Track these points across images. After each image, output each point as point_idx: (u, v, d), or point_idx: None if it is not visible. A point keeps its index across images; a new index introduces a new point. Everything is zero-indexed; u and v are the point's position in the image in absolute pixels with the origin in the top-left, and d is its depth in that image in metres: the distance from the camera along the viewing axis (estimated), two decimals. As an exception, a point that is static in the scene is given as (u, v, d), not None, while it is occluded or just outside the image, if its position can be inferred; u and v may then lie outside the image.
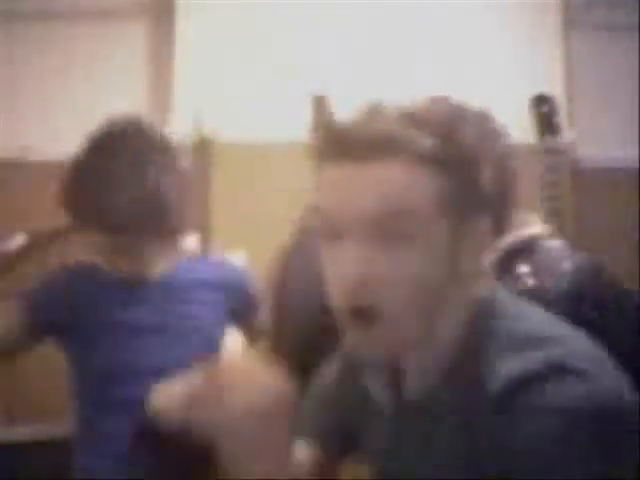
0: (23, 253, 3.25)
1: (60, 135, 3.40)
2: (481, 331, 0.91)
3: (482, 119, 0.96)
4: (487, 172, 0.90)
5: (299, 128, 3.09)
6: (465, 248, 0.90)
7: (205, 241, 3.05)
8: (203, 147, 3.13)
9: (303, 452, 1.11)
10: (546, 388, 0.80)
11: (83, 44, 3.42)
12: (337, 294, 0.89)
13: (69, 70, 3.42)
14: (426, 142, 0.89)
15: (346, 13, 3.23)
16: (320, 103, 3.10)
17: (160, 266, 1.85)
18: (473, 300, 0.93)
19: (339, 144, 0.91)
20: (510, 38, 3.23)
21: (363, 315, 0.88)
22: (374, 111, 0.96)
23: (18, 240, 3.25)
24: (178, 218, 1.81)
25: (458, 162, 0.89)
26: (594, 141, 3.31)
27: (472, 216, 0.90)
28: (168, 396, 0.84)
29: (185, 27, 3.28)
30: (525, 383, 0.81)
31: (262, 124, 3.18)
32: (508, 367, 0.84)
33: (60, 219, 3.27)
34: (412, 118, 0.93)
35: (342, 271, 0.88)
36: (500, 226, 0.93)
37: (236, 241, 3.00)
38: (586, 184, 3.24)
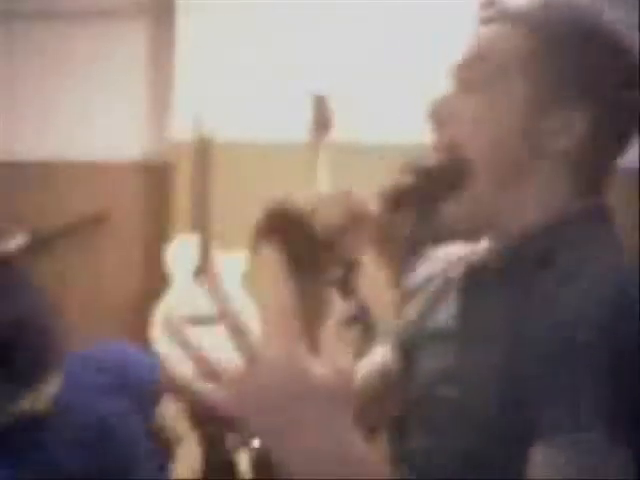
0: (23, 253, 3.25)
1: (60, 135, 3.41)
2: (572, 238, 0.93)
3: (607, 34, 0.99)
4: (590, 65, 0.94)
5: (299, 128, 3.10)
6: (549, 126, 0.93)
7: (205, 242, 3.06)
8: (203, 147, 3.14)
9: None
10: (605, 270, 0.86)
11: (83, 44, 3.42)
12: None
13: (69, 70, 3.43)
14: (526, 9, 0.98)
15: (346, 13, 3.23)
16: (320, 103, 3.10)
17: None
18: (579, 204, 0.96)
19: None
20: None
21: (453, 165, 0.95)
22: None
23: (18, 240, 3.26)
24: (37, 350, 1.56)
25: (555, 38, 0.94)
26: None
27: (561, 100, 0.93)
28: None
29: (185, 27, 3.28)
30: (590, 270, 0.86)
31: (262, 124, 3.19)
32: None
33: (59, 219, 3.28)
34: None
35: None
36: (599, 140, 0.94)
37: (236, 242, 3.01)
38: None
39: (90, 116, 3.40)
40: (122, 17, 3.45)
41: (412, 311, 1.11)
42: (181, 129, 3.18)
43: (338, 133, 3.08)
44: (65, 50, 3.42)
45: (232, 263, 3.05)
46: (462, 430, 0.90)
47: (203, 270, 3.02)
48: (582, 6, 0.99)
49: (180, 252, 3.04)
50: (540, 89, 0.93)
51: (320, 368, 0.71)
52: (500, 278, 0.94)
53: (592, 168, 0.97)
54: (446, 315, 1.02)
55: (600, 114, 0.93)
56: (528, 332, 0.85)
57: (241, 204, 3.20)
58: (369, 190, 1.03)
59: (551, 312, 0.84)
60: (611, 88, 0.94)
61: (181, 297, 2.99)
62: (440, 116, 0.98)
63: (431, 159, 0.96)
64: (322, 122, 3.08)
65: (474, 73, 0.97)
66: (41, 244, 3.26)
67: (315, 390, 0.71)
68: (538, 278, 0.89)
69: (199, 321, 3.04)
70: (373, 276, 3.03)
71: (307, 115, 3.03)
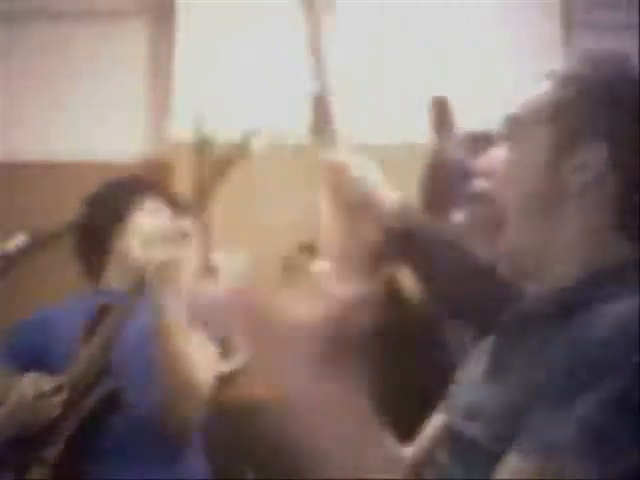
0: (23, 253, 3.25)
1: (60, 135, 3.41)
2: (603, 286, 0.95)
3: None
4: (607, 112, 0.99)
5: (299, 128, 3.09)
6: (569, 165, 0.99)
7: (205, 242, 3.05)
8: (203, 147, 3.14)
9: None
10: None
11: (83, 44, 3.42)
12: None
13: (69, 70, 3.43)
14: (568, 68, 1.05)
15: (346, 13, 3.23)
16: (320, 103, 3.10)
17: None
18: (607, 252, 0.99)
19: None
20: (510, 38, 3.23)
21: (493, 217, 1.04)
22: None
23: (18, 240, 3.26)
24: None
25: (583, 87, 1.01)
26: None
27: (580, 141, 0.99)
28: None
29: (185, 27, 3.28)
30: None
31: (262, 124, 3.18)
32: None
33: (59, 219, 3.28)
34: None
35: None
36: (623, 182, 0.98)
37: (236, 241, 3.01)
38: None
39: (90, 116, 3.40)
40: (122, 17, 3.45)
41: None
42: (181, 129, 3.18)
43: (338, 133, 3.08)
44: (65, 50, 3.42)
45: (232, 263, 3.05)
46: (481, 463, 0.91)
47: (203, 270, 3.02)
48: (612, 59, 1.06)
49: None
50: (564, 133, 1.00)
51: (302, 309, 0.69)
52: (542, 322, 0.96)
53: (626, 205, 1.00)
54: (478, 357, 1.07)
55: (616, 150, 0.98)
56: (554, 374, 0.87)
57: (241, 204, 3.21)
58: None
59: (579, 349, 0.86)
60: (627, 125, 1.00)
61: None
62: (488, 170, 1.09)
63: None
64: (322, 122, 3.08)
65: (513, 127, 1.05)
66: (41, 244, 3.26)
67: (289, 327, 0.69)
68: (577, 323, 0.91)
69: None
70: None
71: (307, 115, 3.03)
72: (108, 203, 2.09)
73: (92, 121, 3.39)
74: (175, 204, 2.19)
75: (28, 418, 1.79)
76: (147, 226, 2.05)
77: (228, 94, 3.19)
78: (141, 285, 1.92)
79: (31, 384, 1.80)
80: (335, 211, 1.06)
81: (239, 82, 3.22)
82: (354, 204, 1.26)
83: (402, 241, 1.24)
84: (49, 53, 3.41)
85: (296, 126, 3.11)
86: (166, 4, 3.34)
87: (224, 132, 3.12)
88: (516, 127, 1.04)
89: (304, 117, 2.98)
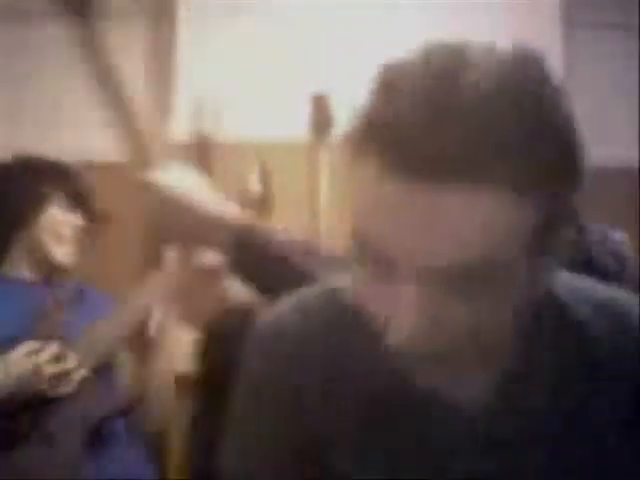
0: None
1: (60, 135, 3.40)
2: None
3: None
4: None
5: (299, 128, 3.09)
6: (539, 275, 0.77)
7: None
8: (203, 147, 3.14)
9: None
10: None
11: (83, 44, 3.42)
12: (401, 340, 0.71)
13: (69, 70, 3.42)
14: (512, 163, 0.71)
15: (346, 13, 3.23)
16: (320, 103, 3.10)
17: None
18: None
19: (404, 153, 0.69)
20: (510, 38, 3.23)
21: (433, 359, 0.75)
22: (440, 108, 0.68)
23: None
24: None
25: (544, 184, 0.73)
26: (594, 141, 3.30)
27: (555, 235, 0.78)
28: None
29: (185, 27, 3.28)
30: None
31: (262, 124, 3.19)
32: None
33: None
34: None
35: (405, 317, 0.70)
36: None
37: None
38: (585, 184, 3.23)
39: (90, 116, 3.39)
40: (122, 17, 3.45)
41: None
42: (181, 129, 3.18)
43: (338, 133, 3.08)
44: (64, 50, 3.41)
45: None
46: None
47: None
48: None
49: (180, 252, 3.04)
50: (538, 252, 0.84)
51: None
52: None
53: None
54: None
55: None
56: None
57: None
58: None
59: None
60: None
61: (181, 297, 2.99)
62: (427, 330, 0.86)
63: None
64: (322, 122, 3.08)
65: (472, 275, 0.78)
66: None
67: None
68: None
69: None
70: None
71: (307, 115, 3.03)
72: (18, 189, 1.98)
73: (92, 121, 3.39)
74: (84, 205, 2.11)
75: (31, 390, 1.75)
76: (60, 222, 1.98)
77: (228, 94, 3.19)
78: (54, 276, 1.89)
79: (23, 358, 1.76)
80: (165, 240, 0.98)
81: (239, 82, 3.22)
82: (178, 226, 1.13)
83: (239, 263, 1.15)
84: (49, 53, 3.41)
85: (296, 126, 3.12)
86: (166, 4, 3.34)
87: (224, 132, 3.12)
88: None
89: (304, 117, 2.99)
